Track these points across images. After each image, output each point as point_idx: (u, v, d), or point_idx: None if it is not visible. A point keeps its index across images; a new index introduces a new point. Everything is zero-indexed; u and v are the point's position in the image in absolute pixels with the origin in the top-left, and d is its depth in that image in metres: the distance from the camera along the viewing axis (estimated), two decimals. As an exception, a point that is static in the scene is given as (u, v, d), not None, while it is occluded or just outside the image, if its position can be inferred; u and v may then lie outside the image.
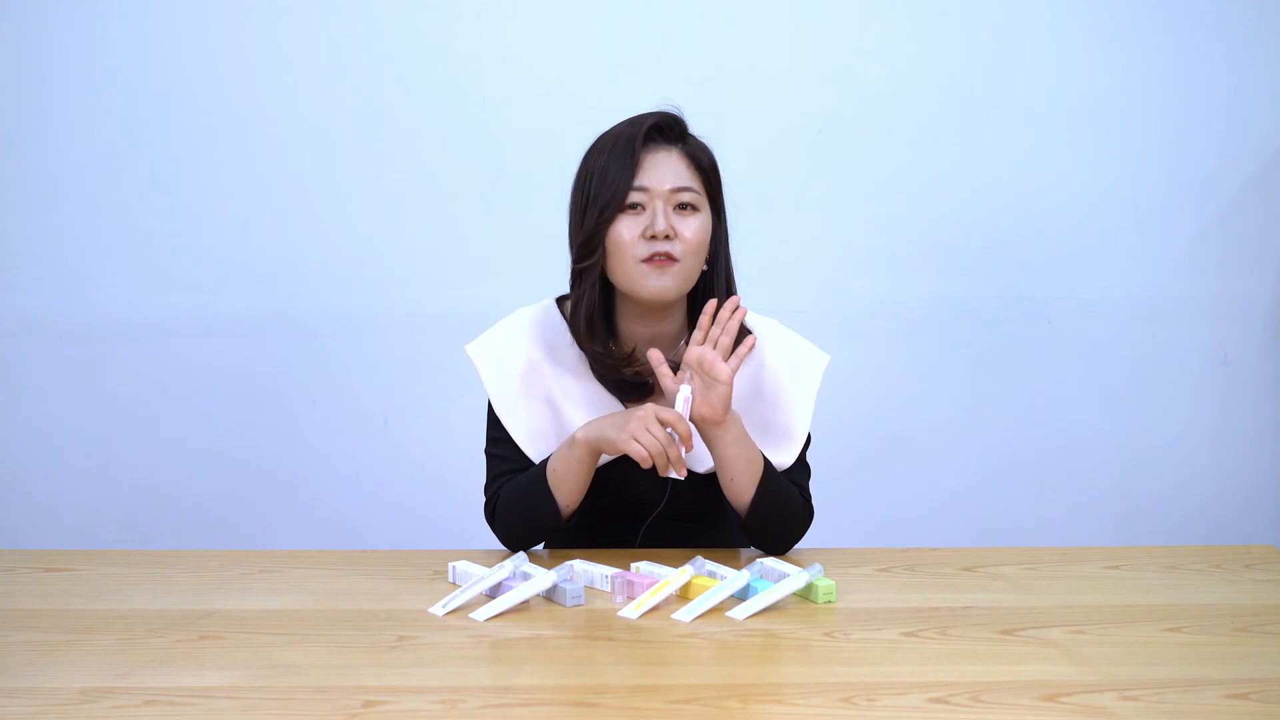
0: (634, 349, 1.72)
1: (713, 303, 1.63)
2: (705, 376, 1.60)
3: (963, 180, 2.84)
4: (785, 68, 2.81)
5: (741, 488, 1.66)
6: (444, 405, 2.81)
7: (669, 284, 1.66)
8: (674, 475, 1.59)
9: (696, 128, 1.74)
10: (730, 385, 1.60)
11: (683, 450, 1.58)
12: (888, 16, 2.80)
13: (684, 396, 1.61)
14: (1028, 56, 2.81)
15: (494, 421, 1.77)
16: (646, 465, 1.58)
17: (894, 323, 2.86)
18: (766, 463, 1.68)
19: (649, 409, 1.60)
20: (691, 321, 1.74)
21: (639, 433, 1.57)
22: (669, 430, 1.58)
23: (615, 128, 1.70)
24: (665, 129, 1.69)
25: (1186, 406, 2.91)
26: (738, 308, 1.63)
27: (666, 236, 1.64)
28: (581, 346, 1.72)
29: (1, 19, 2.77)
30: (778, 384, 1.75)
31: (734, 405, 1.69)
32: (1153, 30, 2.80)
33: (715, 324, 1.62)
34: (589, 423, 1.65)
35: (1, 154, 2.81)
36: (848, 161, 2.83)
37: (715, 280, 1.72)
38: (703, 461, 1.72)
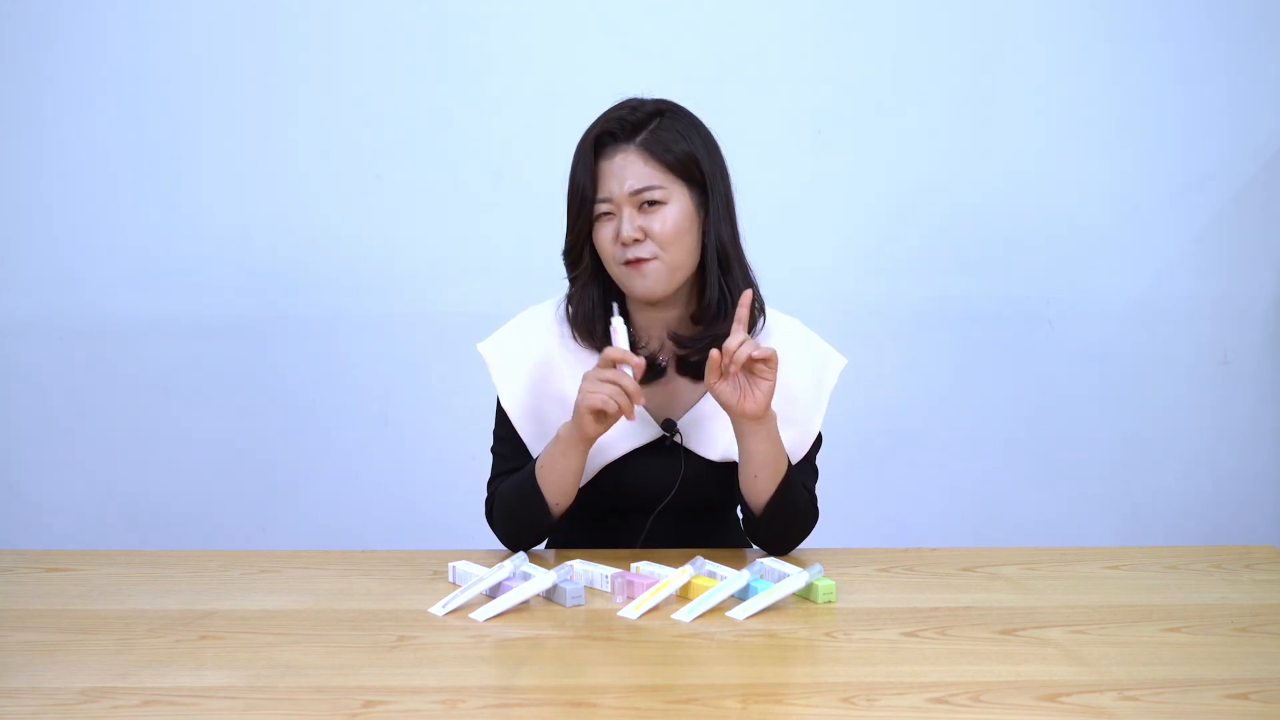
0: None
1: (748, 294, 1.61)
2: (749, 374, 1.58)
3: (962, 180, 2.83)
4: (785, 68, 2.81)
5: (763, 486, 1.66)
6: (444, 405, 2.81)
7: (650, 285, 1.66)
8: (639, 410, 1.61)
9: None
10: (774, 382, 1.58)
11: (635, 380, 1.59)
12: (887, 16, 2.80)
13: (614, 327, 1.63)
14: (1027, 56, 2.81)
15: (501, 420, 1.77)
16: (613, 410, 1.58)
17: (894, 323, 2.86)
18: (789, 465, 1.68)
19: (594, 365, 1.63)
20: (699, 296, 1.72)
21: (592, 386, 1.59)
22: (621, 368, 1.59)
23: (588, 129, 1.70)
24: (615, 132, 1.67)
25: (1186, 406, 2.91)
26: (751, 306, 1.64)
27: (636, 240, 1.64)
28: (585, 345, 1.73)
29: (3, 22, 2.77)
30: (795, 382, 1.74)
31: None
32: (1152, 30, 2.80)
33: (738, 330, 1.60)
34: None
35: (2, 155, 2.81)
36: (847, 161, 2.83)
37: (706, 252, 1.69)
38: (712, 448, 1.72)
